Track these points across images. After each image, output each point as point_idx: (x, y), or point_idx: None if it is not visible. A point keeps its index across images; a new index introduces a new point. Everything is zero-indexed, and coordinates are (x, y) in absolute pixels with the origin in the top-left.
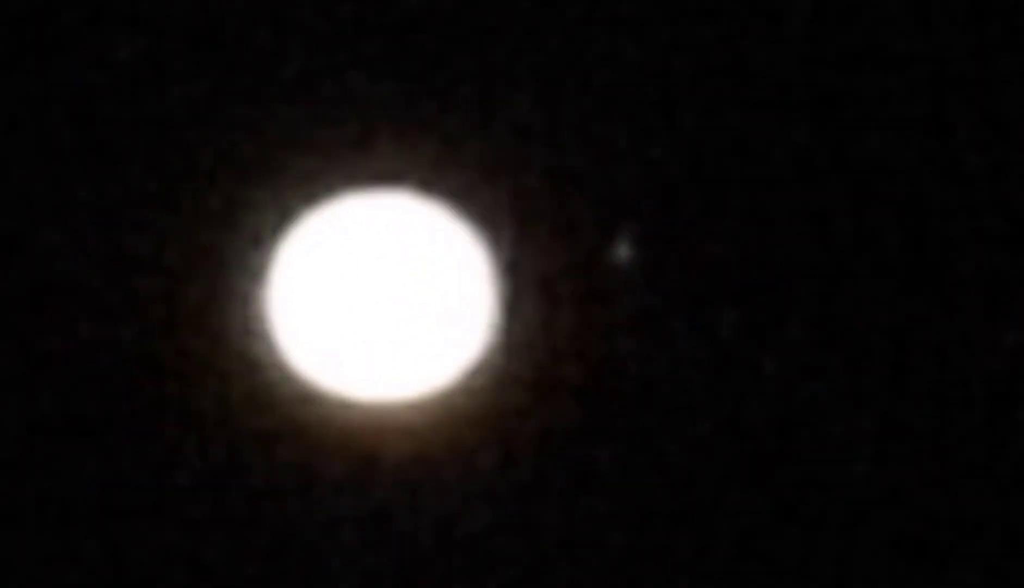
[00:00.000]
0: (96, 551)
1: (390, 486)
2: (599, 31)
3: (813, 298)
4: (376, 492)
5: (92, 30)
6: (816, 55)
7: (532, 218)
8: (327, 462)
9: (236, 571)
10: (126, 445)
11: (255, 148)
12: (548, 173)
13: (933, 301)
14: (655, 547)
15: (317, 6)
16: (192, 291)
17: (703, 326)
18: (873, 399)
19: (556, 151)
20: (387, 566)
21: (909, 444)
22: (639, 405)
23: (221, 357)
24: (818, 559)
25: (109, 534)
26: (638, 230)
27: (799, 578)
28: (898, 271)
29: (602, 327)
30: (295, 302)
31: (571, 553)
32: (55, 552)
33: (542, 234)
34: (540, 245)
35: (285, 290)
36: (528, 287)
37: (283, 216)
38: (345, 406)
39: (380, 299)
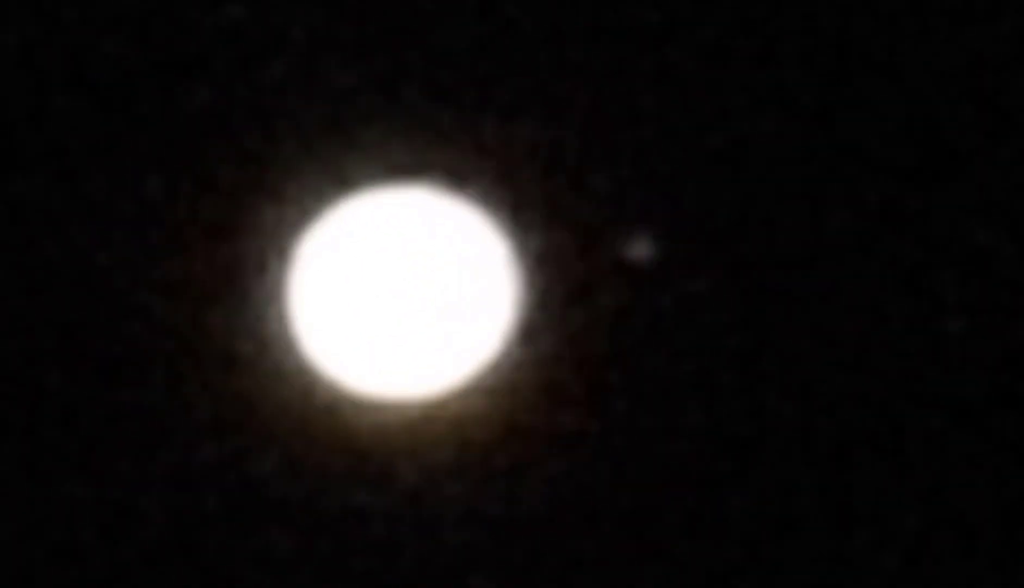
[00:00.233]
0: (106, 546)
1: (408, 483)
2: (622, 28)
3: (834, 298)
4: (392, 489)
5: (110, 25)
6: (841, 53)
7: (553, 215)
8: (344, 459)
9: (248, 566)
10: (140, 440)
11: (276, 144)
12: (570, 171)
13: (950, 304)
14: (671, 548)
15: (342, 2)
16: (210, 288)
17: (723, 325)
18: (891, 399)
19: (578, 149)
20: (400, 564)
21: (917, 445)
22: (659, 405)
23: (240, 353)
24: (836, 561)
25: (119, 529)
26: (659, 229)
27: (815, 580)
28: (919, 271)
29: (622, 326)
30: (314, 299)
31: (587, 553)
32: (64, 547)
33: (563, 232)
34: (561, 243)
35: (304, 286)
36: (548, 285)
37: (303, 213)
38: (364, 403)
39: (399, 296)
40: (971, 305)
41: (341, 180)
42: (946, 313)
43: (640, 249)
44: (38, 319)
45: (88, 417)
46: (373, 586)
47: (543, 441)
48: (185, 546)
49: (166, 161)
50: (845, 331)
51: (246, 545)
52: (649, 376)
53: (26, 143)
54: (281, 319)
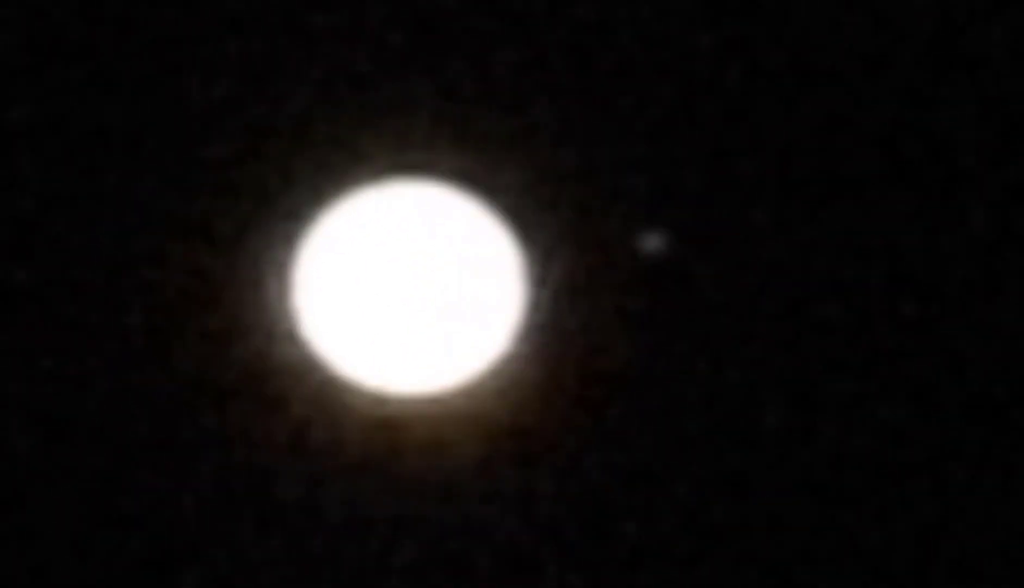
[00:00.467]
0: (115, 539)
1: (414, 479)
2: (634, 24)
3: (843, 293)
4: (399, 485)
5: (125, 19)
6: (855, 51)
7: (561, 212)
8: (350, 454)
9: (254, 560)
10: (148, 433)
11: (284, 138)
12: (578, 167)
13: (957, 304)
14: (680, 545)
15: None
16: (218, 282)
17: (733, 322)
18: (903, 398)
19: (586, 145)
20: (407, 558)
21: (928, 446)
22: (668, 400)
23: (246, 348)
24: (844, 562)
25: (127, 522)
26: (668, 225)
27: (823, 580)
28: (929, 267)
29: (631, 322)
30: (321, 294)
31: (594, 549)
32: (74, 543)
33: (571, 228)
34: (569, 239)
35: (311, 282)
36: (556, 281)
37: (310, 208)
38: (370, 398)
39: (407, 292)
40: (978, 307)
41: (348, 176)
42: (953, 314)
43: (649, 246)
44: (43, 312)
45: (93, 412)
46: (380, 580)
47: (550, 437)
48: (191, 541)
49: (173, 156)
50: (856, 328)
51: (251, 540)
52: (658, 373)
53: (35, 137)
54: (288, 314)
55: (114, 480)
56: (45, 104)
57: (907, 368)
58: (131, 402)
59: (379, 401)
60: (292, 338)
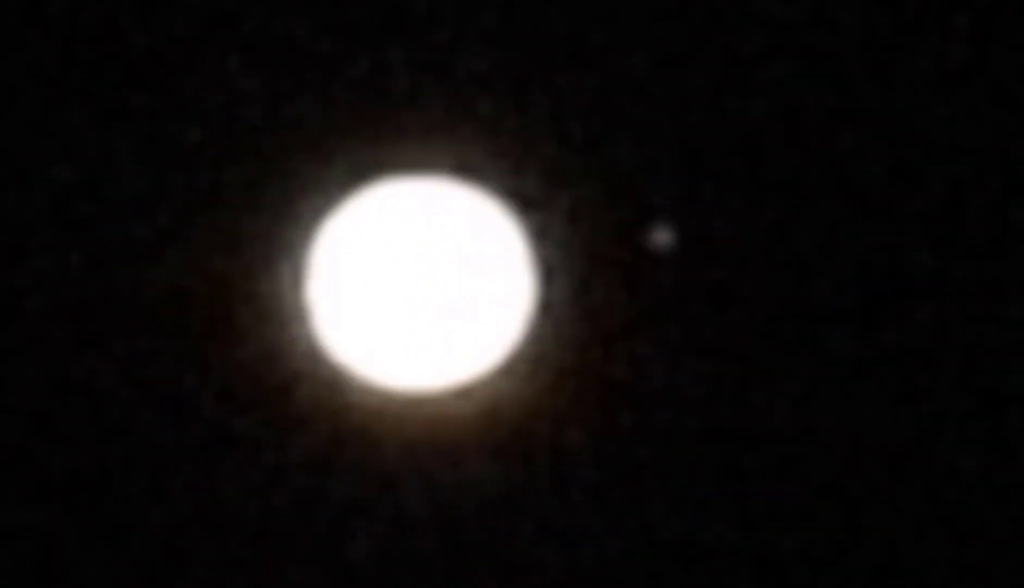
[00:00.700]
0: (124, 534)
1: (422, 475)
2: (640, 18)
3: (853, 293)
4: (410, 479)
5: (141, 19)
6: (864, 51)
7: (571, 208)
8: (360, 450)
9: (268, 555)
10: (158, 428)
11: (295, 134)
12: (587, 164)
13: (972, 305)
14: (692, 538)
15: None
16: (229, 277)
17: (743, 314)
18: (912, 399)
19: (596, 142)
20: (420, 552)
21: (935, 445)
22: (677, 395)
23: (258, 342)
24: (849, 564)
25: (138, 517)
26: (676, 218)
27: (828, 581)
28: (942, 271)
29: (640, 316)
30: (333, 290)
31: (607, 541)
32: (79, 541)
33: (581, 222)
34: (579, 233)
35: (322, 279)
36: (566, 275)
37: (321, 203)
38: (380, 395)
39: (416, 288)
40: (986, 307)
41: (358, 173)
42: (961, 314)
43: (659, 242)
44: (56, 312)
45: (104, 408)
46: (386, 576)
47: (559, 433)
48: (197, 537)
49: (185, 152)
50: (866, 327)
51: (259, 535)
52: (670, 365)
53: (47, 133)
54: (298, 312)
55: (121, 476)
56: (58, 104)
57: (916, 368)
58: (141, 399)
59: (389, 397)
60: (302, 335)
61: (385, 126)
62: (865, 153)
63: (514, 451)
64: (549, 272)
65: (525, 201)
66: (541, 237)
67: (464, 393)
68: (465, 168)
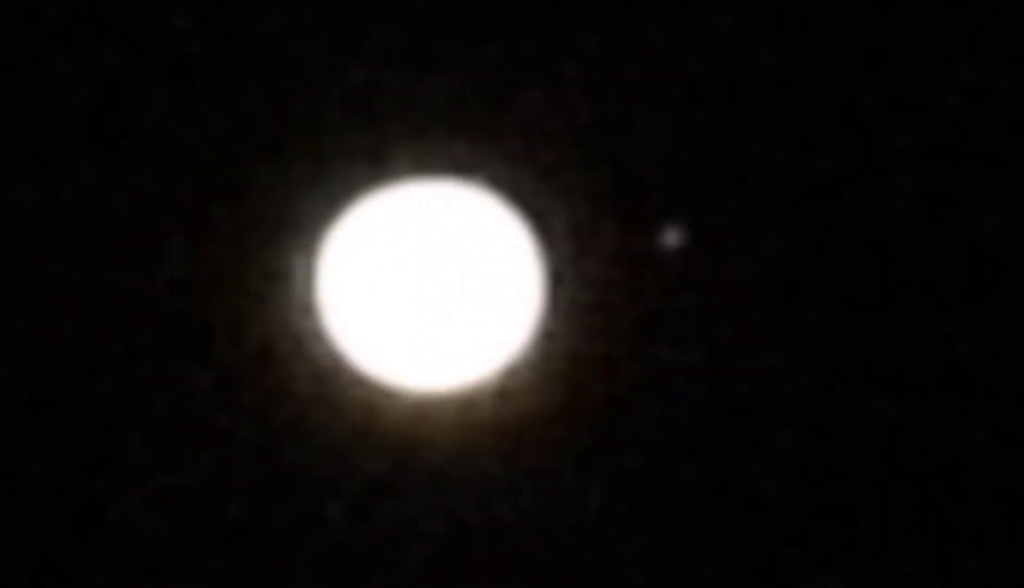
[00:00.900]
0: (138, 533)
1: (434, 475)
2: (653, 19)
3: (865, 292)
4: (420, 479)
5: (150, 11)
6: (876, 50)
7: (581, 208)
8: (369, 449)
9: (275, 557)
10: (166, 428)
11: (307, 136)
12: (598, 164)
13: (983, 304)
14: (700, 541)
15: None
16: (241, 279)
17: (754, 318)
18: (924, 399)
19: (604, 141)
20: (426, 555)
21: (946, 445)
22: (686, 397)
23: (268, 344)
24: (857, 566)
25: (150, 515)
26: (684, 218)
27: (835, 583)
28: (955, 270)
29: (648, 316)
30: (343, 292)
31: (616, 544)
32: (88, 533)
33: (590, 225)
34: (588, 235)
35: (334, 280)
36: (574, 276)
37: (332, 205)
38: (389, 394)
39: (429, 288)
40: (995, 305)
41: (369, 175)
42: (973, 313)
43: (669, 242)
44: (68, 315)
45: (115, 409)
46: (394, 575)
47: (570, 433)
48: (207, 534)
49: (196, 155)
50: (878, 327)
51: (274, 536)
52: (678, 366)
53: (64, 136)
54: (310, 311)
55: (132, 471)
56: (74, 104)
57: (929, 367)
58: (149, 399)
59: (398, 398)
60: (312, 336)
61: (395, 129)
62: (876, 153)
63: (523, 451)
64: (557, 273)
65: (534, 202)
66: (550, 238)
67: (473, 393)
68: (474, 170)
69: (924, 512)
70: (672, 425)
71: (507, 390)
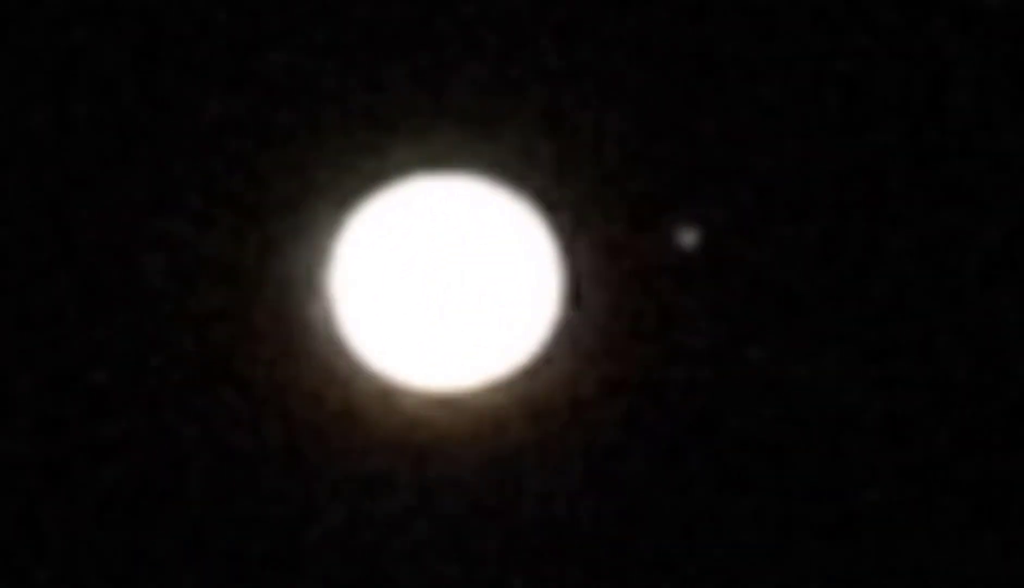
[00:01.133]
0: (156, 535)
1: (450, 473)
2: (665, 21)
3: (881, 290)
4: (435, 479)
5: (160, 16)
6: (888, 49)
7: (599, 205)
8: (388, 448)
9: (294, 557)
10: (178, 429)
11: (322, 132)
12: (614, 161)
13: (997, 303)
14: (716, 542)
15: None
16: (255, 277)
17: (770, 317)
18: (941, 398)
19: (622, 140)
20: (439, 554)
21: (962, 444)
22: (705, 394)
23: (284, 343)
24: (868, 567)
25: (169, 519)
26: (705, 218)
27: (846, 583)
28: (969, 267)
29: (667, 315)
30: (357, 290)
31: (635, 540)
32: (100, 535)
33: (609, 220)
34: (607, 232)
35: (351, 276)
36: (595, 274)
37: (349, 202)
38: (408, 393)
39: (442, 287)
40: (1008, 305)
41: (389, 168)
42: (990, 312)
43: (689, 238)
44: (76, 314)
45: (124, 407)
46: (421, 572)
47: (586, 433)
48: (218, 533)
49: (206, 154)
50: (894, 324)
51: (291, 535)
52: (695, 365)
53: (77, 138)
54: (327, 310)
55: (136, 477)
56: (88, 107)
57: (941, 370)
58: (161, 400)
59: (417, 396)
60: (329, 335)
61: (414, 124)
62: (893, 154)
63: (543, 449)
64: (577, 271)
65: (554, 199)
66: (570, 236)
67: (492, 392)
68: (494, 166)
69: (930, 512)
70: (689, 424)
71: (523, 389)
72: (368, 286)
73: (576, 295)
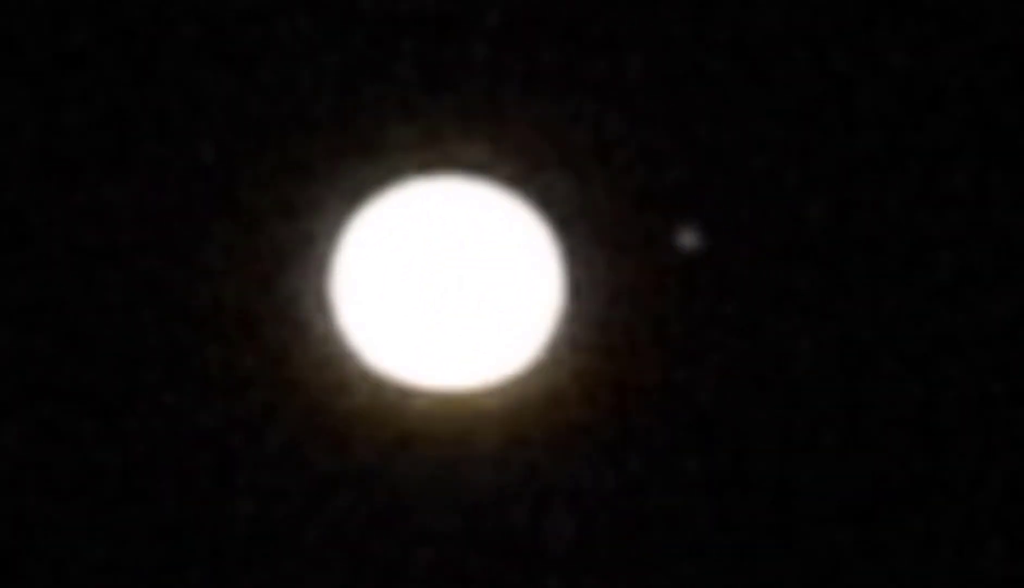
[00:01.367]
0: (166, 529)
1: (451, 475)
2: (670, 22)
3: (882, 288)
4: (436, 479)
5: (169, 13)
6: (894, 48)
7: (601, 205)
8: (390, 449)
9: (295, 557)
10: (183, 429)
11: (323, 133)
12: (616, 164)
13: (1014, 301)
14: (719, 543)
15: None
16: (258, 278)
17: (773, 319)
18: (950, 398)
19: (624, 141)
20: (447, 556)
21: (978, 445)
22: (705, 394)
23: (287, 343)
24: (883, 569)
25: (175, 514)
26: (705, 220)
27: (858, 583)
28: (976, 264)
29: (668, 316)
30: (362, 289)
31: (637, 542)
32: (106, 534)
33: (610, 223)
34: (608, 234)
35: (352, 277)
36: (596, 276)
37: (350, 203)
38: (409, 394)
39: (446, 287)
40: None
41: (390, 170)
42: (1003, 310)
43: (687, 243)
44: (77, 316)
45: (126, 408)
46: (423, 575)
47: (589, 434)
48: (233, 537)
49: (210, 158)
50: (897, 326)
51: (294, 535)
52: (697, 368)
53: (69, 137)
54: (329, 310)
55: (146, 477)
56: (90, 109)
57: (947, 368)
58: (167, 400)
59: (418, 398)
60: (331, 336)
61: (415, 126)
62: (899, 156)
63: (543, 451)
64: (578, 273)
65: (555, 201)
66: (570, 237)
67: (493, 393)
68: (495, 168)
69: (931, 512)
70: (690, 427)
71: (525, 391)
72: (370, 288)
73: (577, 298)
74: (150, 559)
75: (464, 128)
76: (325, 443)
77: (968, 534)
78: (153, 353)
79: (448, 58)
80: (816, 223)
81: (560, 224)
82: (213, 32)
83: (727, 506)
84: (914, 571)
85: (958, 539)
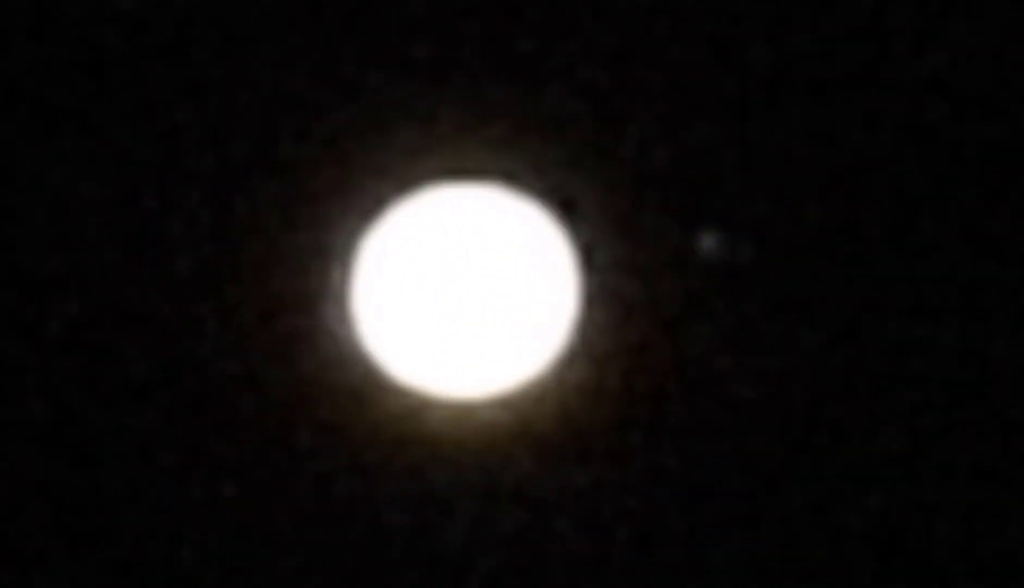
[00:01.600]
0: (175, 533)
1: (469, 482)
2: (688, 23)
3: (901, 294)
4: (452, 486)
5: (181, 22)
6: (912, 50)
7: (617, 213)
8: (405, 457)
9: (307, 561)
10: (201, 433)
11: (340, 141)
12: (634, 169)
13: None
14: (739, 544)
15: (409, 4)
16: (275, 285)
17: (790, 320)
18: (969, 396)
19: (642, 146)
20: (462, 560)
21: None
22: (722, 402)
23: (303, 350)
24: (905, 567)
25: (182, 518)
26: (722, 225)
27: (880, 583)
28: (994, 268)
29: (686, 324)
30: (378, 297)
31: (654, 547)
32: (117, 533)
33: (626, 230)
34: (625, 240)
35: (368, 285)
36: (612, 283)
37: (367, 211)
38: (425, 402)
39: (463, 294)
40: None
41: (406, 178)
42: (991, 314)
43: (706, 247)
44: (90, 318)
45: (138, 411)
46: (436, 580)
47: (605, 439)
48: (243, 539)
49: (229, 165)
50: (915, 325)
51: (308, 540)
52: (715, 372)
53: (79, 138)
54: (345, 318)
55: (169, 472)
56: (101, 112)
57: (950, 370)
58: (185, 406)
59: (434, 405)
60: (347, 343)
61: (431, 133)
62: (915, 154)
63: (559, 458)
64: (594, 279)
65: (571, 208)
66: (587, 244)
67: (509, 400)
68: (511, 175)
69: (932, 513)
70: (709, 429)
71: (544, 397)
72: (387, 295)
73: (594, 304)
74: (148, 559)
75: (482, 136)
76: (342, 449)
77: (972, 534)
78: (172, 365)
79: (468, 65)
80: (831, 227)
81: (577, 231)
82: (233, 37)
83: (741, 513)
84: (912, 572)
85: (960, 540)
